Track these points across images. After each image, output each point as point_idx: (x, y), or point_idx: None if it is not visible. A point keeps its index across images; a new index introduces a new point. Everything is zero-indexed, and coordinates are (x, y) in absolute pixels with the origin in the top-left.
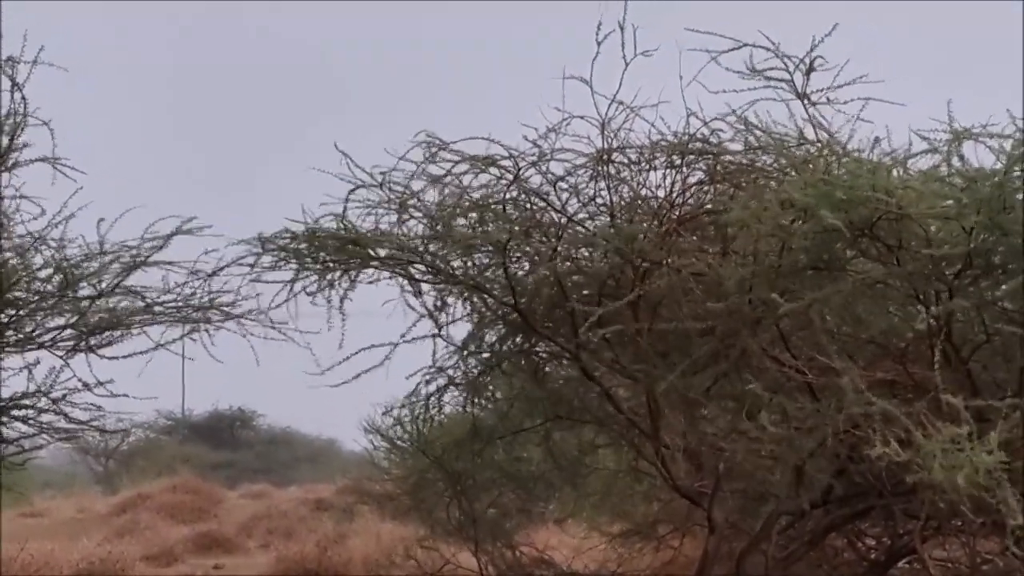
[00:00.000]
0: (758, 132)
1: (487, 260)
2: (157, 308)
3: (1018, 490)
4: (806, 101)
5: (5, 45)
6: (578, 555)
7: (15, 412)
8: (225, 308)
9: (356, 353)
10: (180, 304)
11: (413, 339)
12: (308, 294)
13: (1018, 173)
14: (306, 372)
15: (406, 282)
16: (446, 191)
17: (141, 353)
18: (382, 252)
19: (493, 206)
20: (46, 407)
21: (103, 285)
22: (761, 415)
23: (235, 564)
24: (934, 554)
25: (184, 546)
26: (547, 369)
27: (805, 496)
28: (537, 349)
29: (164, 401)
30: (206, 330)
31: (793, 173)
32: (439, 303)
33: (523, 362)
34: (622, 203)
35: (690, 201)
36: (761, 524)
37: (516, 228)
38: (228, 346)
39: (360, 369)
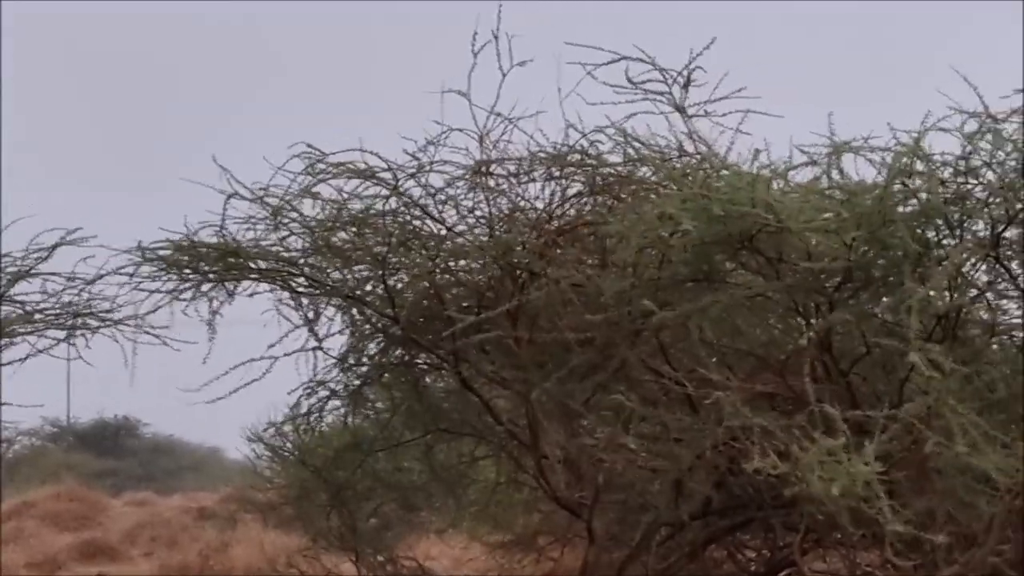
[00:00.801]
0: (637, 144)
1: (366, 272)
2: (37, 316)
3: (897, 502)
4: (684, 114)
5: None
6: (459, 565)
7: None
8: (102, 315)
9: (237, 367)
10: (58, 311)
11: (293, 352)
12: (185, 304)
13: (899, 187)
14: (184, 387)
15: (286, 294)
16: (326, 205)
17: (21, 360)
18: (262, 264)
19: (372, 219)
20: None
21: None
22: (638, 427)
23: (118, 572)
24: (814, 567)
25: (68, 554)
26: (427, 381)
27: (684, 508)
28: (417, 361)
29: (50, 409)
30: (83, 335)
31: (672, 186)
32: (316, 315)
33: (403, 374)
34: (501, 214)
35: (569, 213)
36: (640, 535)
37: (395, 240)
38: (112, 355)
39: (241, 379)
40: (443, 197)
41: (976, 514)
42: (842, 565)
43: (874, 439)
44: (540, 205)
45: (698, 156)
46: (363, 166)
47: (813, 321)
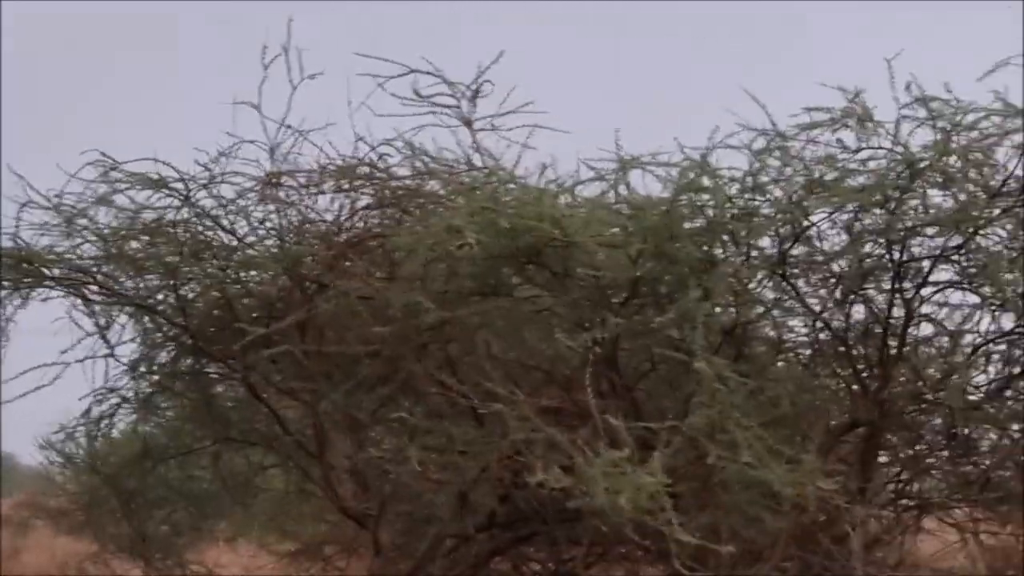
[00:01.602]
0: (425, 157)
1: (158, 282)
2: None
3: (683, 516)
4: (472, 127)
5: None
6: (248, 574)
7: None
8: None
9: (26, 371)
10: None
11: (85, 358)
12: None
13: (685, 202)
14: None
15: (79, 301)
16: (119, 213)
17: None
18: (56, 271)
19: (164, 228)
20: None
21: None
22: (425, 439)
23: None
24: None
25: None
26: (217, 390)
27: (470, 520)
28: (207, 370)
29: None
30: None
31: (459, 199)
32: (108, 323)
33: (193, 383)
34: (291, 226)
35: (358, 225)
36: (426, 547)
37: (186, 250)
38: None
39: (32, 385)
40: (234, 208)
41: (761, 529)
42: None
43: (657, 452)
44: (330, 217)
45: (486, 170)
46: (156, 176)
47: (598, 335)
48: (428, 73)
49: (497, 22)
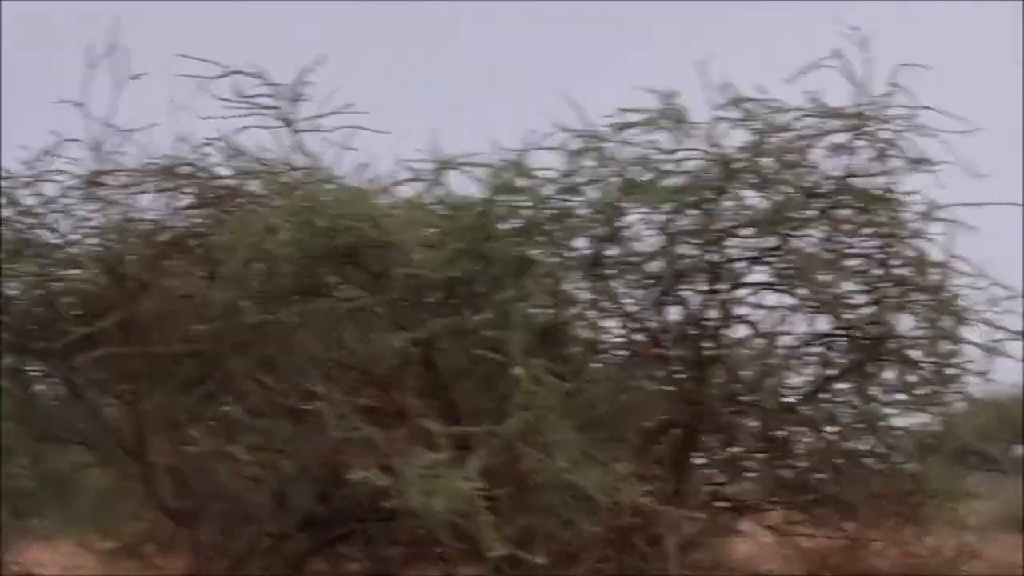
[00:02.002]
0: (246, 158)
1: None
2: None
3: (498, 518)
4: (293, 128)
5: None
6: (67, 572)
7: None
8: None
9: None
10: None
11: None
12: None
13: (501, 202)
14: None
15: None
16: None
17: None
18: None
19: None
20: None
21: None
22: (244, 438)
23: None
24: None
25: None
26: (39, 388)
27: (288, 519)
28: (28, 368)
29: None
30: None
31: (279, 199)
32: None
33: (14, 380)
34: (112, 225)
35: (180, 224)
36: (244, 545)
37: (8, 248)
38: None
39: None
40: (57, 207)
41: (576, 531)
42: None
43: (474, 455)
44: (151, 216)
45: (306, 170)
46: None
47: (415, 336)
48: (250, 74)
49: (317, 23)
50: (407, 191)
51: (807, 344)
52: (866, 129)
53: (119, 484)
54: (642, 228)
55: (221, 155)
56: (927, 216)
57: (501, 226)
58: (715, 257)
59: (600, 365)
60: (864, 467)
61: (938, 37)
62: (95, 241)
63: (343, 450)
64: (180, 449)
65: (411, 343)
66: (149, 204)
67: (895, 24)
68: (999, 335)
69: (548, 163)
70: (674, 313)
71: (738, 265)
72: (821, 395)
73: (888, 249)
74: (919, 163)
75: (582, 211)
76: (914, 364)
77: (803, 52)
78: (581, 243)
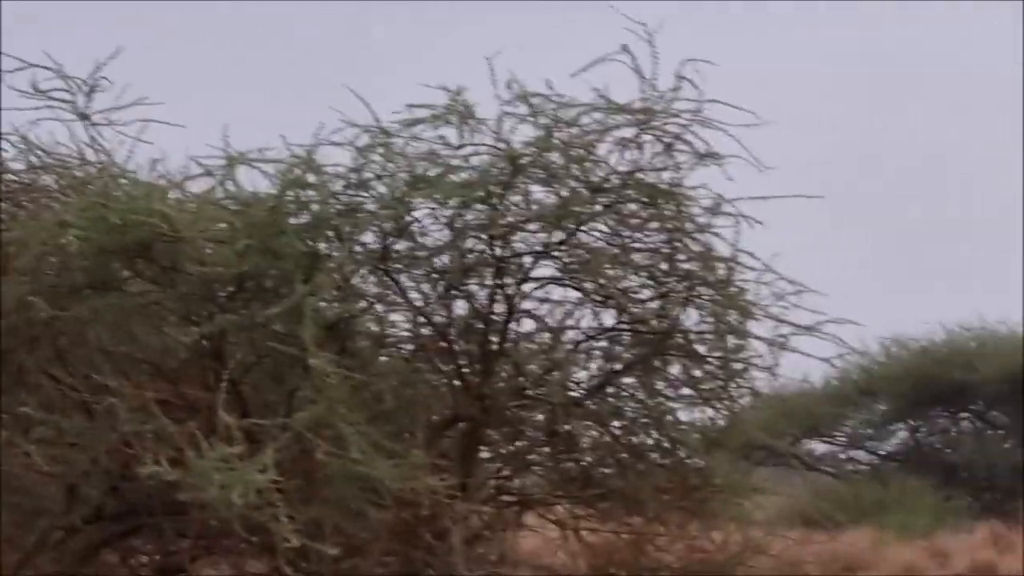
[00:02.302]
0: (40, 152)
1: None
2: None
3: (289, 510)
4: (88, 122)
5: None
6: None
7: None
8: None
9: None
10: None
11: None
12: None
13: (291, 198)
14: None
15: None
16: None
17: None
18: None
19: None
20: None
21: None
22: (36, 431)
23: None
24: (205, 572)
25: None
26: None
27: (78, 512)
28: None
29: None
30: None
31: (72, 194)
32: None
33: None
34: None
35: None
36: (35, 539)
37: None
38: None
39: None
40: None
41: (364, 524)
42: (232, 572)
43: (267, 447)
44: None
45: (99, 165)
46: None
47: (206, 330)
48: (44, 67)
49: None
50: (199, 186)
51: (593, 338)
52: (653, 124)
53: None
54: (430, 223)
55: (14, 149)
56: (714, 211)
57: (291, 221)
58: (502, 252)
59: (388, 359)
60: (650, 462)
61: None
62: None
63: (135, 443)
64: None
65: (202, 337)
66: None
67: (682, 22)
68: (785, 330)
69: (337, 159)
70: (461, 307)
71: (525, 260)
72: (607, 389)
73: (674, 243)
74: (706, 158)
75: (370, 206)
76: (700, 358)
77: (591, 48)
78: (369, 238)
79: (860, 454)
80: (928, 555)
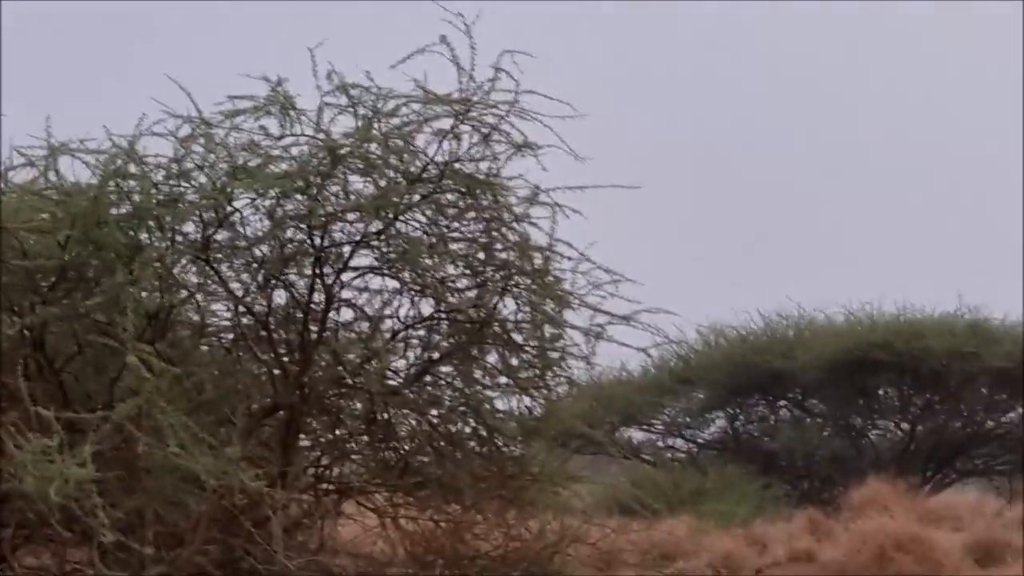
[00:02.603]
0: None
1: None
2: None
3: (109, 501)
4: None
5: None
6: None
7: None
8: None
9: None
10: None
11: None
12: None
13: (113, 188)
14: None
15: None
16: None
17: None
18: None
19: None
20: None
21: None
22: None
23: None
24: (25, 563)
25: None
26: None
27: None
28: None
29: None
30: None
31: None
32: None
33: None
34: None
35: None
36: None
37: None
38: None
39: None
40: None
41: (185, 513)
42: (52, 562)
43: (88, 439)
44: None
45: None
46: None
47: (28, 320)
48: None
49: None
50: (20, 177)
51: (411, 327)
52: (470, 115)
53: None
54: (250, 213)
55: None
56: (530, 200)
57: (112, 212)
58: (321, 241)
59: (208, 348)
60: (467, 450)
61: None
62: None
63: None
64: None
65: (23, 328)
66: None
67: (501, 14)
68: (602, 319)
69: (159, 149)
70: (280, 297)
71: (344, 249)
72: (425, 378)
73: (492, 233)
74: (523, 148)
75: (191, 196)
76: (517, 347)
77: (411, 39)
78: (190, 228)
79: (678, 442)
80: (747, 543)
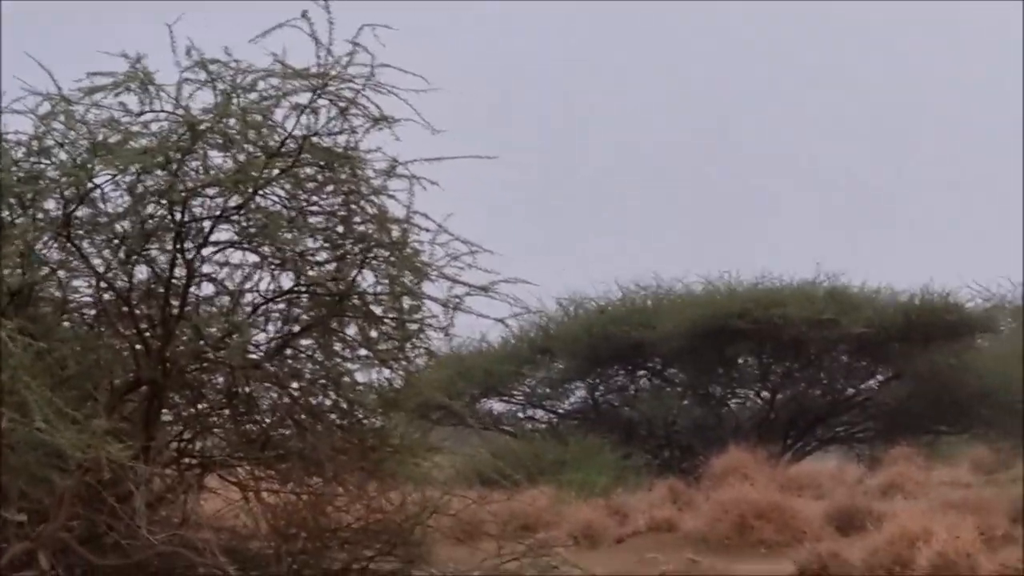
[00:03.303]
0: None
1: None
2: None
3: None
4: None
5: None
6: None
7: None
8: None
9: None
10: None
11: None
12: None
13: None
14: None
15: None
16: None
17: None
18: None
19: None
20: None
21: None
22: None
23: None
24: None
25: None
26: None
27: None
28: None
29: None
30: None
31: None
32: None
33: None
34: None
35: None
36: None
37: None
38: None
39: None
40: None
41: (49, 490)
42: None
43: None
44: None
45: None
46: None
47: None
48: None
49: None
50: None
51: (271, 301)
52: (328, 89)
53: None
54: (111, 189)
55: None
56: (388, 173)
57: None
58: (181, 217)
59: (70, 324)
60: (328, 423)
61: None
62: None
63: None
64: None
65: None
66: None
67: None
68: (460, 290)
69: (19, 126)
70: (142, 272)
71: (204, 224)
72: (285, 351)
73: (350, 206)
74: (380, 121)
75: (52, 173)
76: (376, 320)
77: (270, 14)
78: (51, 205)
79: (539, 413)
80: (607, 513)
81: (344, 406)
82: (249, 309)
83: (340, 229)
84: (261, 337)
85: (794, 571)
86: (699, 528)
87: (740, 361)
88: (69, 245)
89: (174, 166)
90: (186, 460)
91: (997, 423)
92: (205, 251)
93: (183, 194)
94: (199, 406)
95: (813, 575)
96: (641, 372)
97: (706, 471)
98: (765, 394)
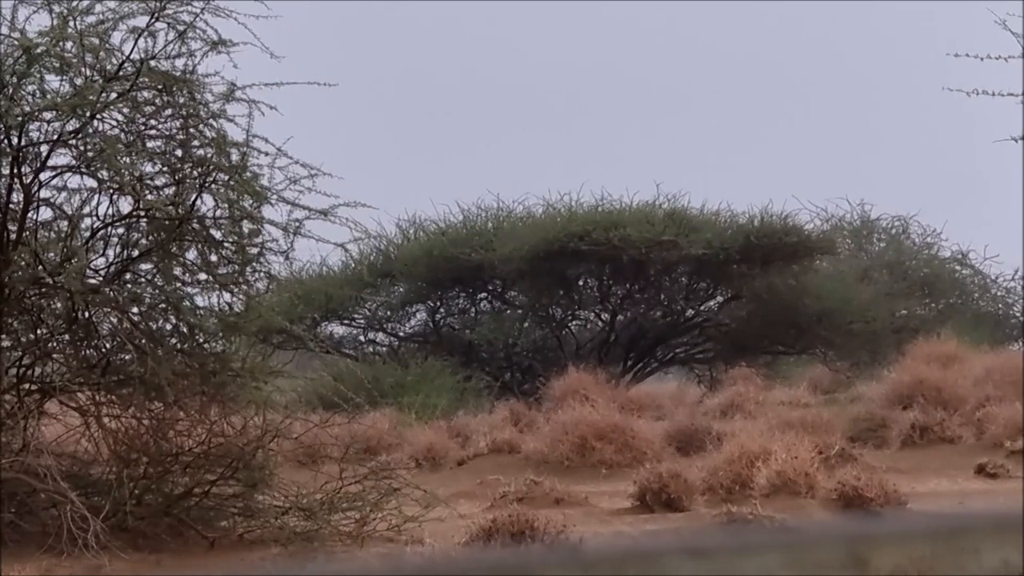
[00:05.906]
0: None
1: None
2: None
3: None
4: None
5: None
6: None
7: None
8: None
9: None
10: None
11: None
12: None
13: None
14: None
15: None
16: None
17: None
18: None
19: None
20: None
21: None
22: None
23: None
24: None
25: None
26: None
27: None
28: None
29: None
30: None
31: None
32: None
33: None
34: None
35: None
36: None
37: None
38: None
39: None
40: None
41: None
42: None
43: None
44: None
45: None
46: None
47: None
48: None
49: None
50: None
51: (110, 226)
52: (166, 12)
53: None
54: None
55: None
56: (227, 97)
57: None
58: (18, 141)
59: None
60: (168, 347)
61: None
62: None
63: None
64: None
65: None
66: None
67: None
68: (300, 214)
69: None
70: None
71: (41, 148)
72: (125, 276)
73: (189, 130)
74: (218, 45)
75: None
76: (216, 244)
77: None
78: None
79: (380, 336)
80: (449, 435)
81: (185, 330)
82: (88, 234)
83: (179, 153)
84: (100, 262)
85: (635, 491)
86: (540, 449)
87: (580, 283)
88: None
89: (10, 90)
90: (26, 386)
91: (835, 344)
92: (43, 176)
93: (19, 119)
94: (38, 331)
95: (654, 495)
96: (482, 295)
97: (547, 393)
98: (605, 316)
